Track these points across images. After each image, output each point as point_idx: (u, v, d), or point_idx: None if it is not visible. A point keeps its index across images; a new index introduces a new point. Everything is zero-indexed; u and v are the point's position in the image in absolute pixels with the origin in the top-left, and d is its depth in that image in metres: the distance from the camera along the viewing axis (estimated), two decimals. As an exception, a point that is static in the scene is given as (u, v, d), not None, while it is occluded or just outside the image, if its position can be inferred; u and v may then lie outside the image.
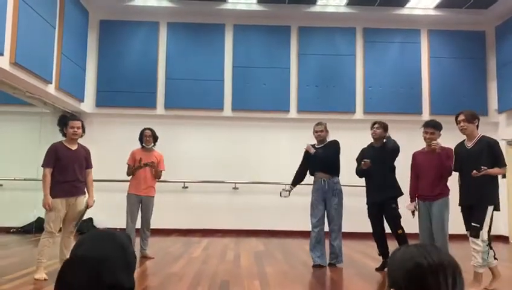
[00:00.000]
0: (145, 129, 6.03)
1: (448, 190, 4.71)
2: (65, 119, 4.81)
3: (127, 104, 8.80)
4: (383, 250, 5.28)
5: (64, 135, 4.78)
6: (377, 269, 5.22)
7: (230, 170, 8.84)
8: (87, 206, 4.84)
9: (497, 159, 4.27)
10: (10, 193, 8.68)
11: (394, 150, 5.27)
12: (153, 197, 6.02)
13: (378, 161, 5.25)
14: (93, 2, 8.70)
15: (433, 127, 4.82)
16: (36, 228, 8.13)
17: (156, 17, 9.04)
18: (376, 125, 5.43)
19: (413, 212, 4.89)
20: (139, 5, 8.80)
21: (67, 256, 4.24)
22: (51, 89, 7.14)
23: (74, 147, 4.79)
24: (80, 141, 4.96)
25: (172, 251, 6.48)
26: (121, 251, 1.16)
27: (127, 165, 6.02)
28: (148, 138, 5.95)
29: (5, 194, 8.73)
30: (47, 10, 6.75)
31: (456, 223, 4.70)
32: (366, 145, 5.61)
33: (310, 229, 5.57)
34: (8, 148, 8.78)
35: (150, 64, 8.94)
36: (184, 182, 8.82)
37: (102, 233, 1.22)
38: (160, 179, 8.85)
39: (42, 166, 4.62)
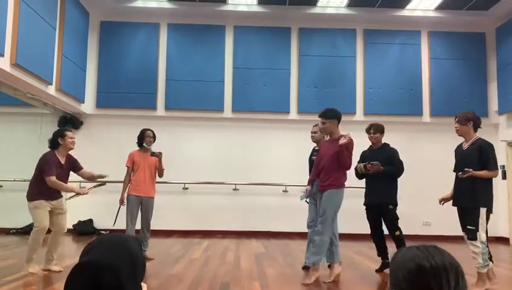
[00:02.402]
0: (147, 130, 6.01)
1: (341, 182, 4.72)
2: (62, 131, 5.02)
3: (128, 105, 8.80)
4: (382, 251, 5.28)
5: (55, 147, 4.93)
6: (377, 271, 5.21)
7: (230, 171, 8.84)
8: (102, 176, 5.19)
9: (486, 162, 4.28)
10: (10, 194, 8.67)
11: (393, 174, 5.26)
12: (153, 198, 6.01)
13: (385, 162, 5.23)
14: (94, 3, 8.70)
15: (322, 116, 4.86)
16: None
17: (157, 18, 9.05)
18: (372, 131, 5.42)
19: (302, 197, 5.03)
20: (139, 6, 8.81)
21: (54, 256, 4.33)
22: (51, 90, 7.14)
23: (64, 160, 5.01)
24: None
25: (172, 252, 6.47)
26: (130, 260, 1.13)
27: (126, 168, 6.00)
28: (150, 138, 5.96)
29: (5, 195, 8.73)
30: (47, 11, 6.75)
31: (457, 224, 4.69)
32: (366, 148, 5.59)
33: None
34: (8, 149, 8.78)
35: (150, 66, 8.94)
36: (184, 183, 8.82)
37: (113, 239, 1.19)
38: (161, 180, 8.87)
39: (47, 176, 4.76)
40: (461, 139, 4.64)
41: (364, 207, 5.43)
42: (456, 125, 4.51)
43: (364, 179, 5.48)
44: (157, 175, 6.10)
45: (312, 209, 5.36)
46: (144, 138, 5.95)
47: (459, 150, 4.61)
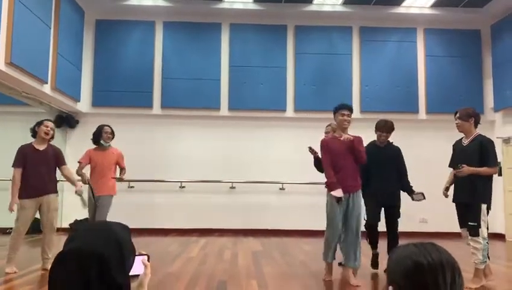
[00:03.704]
0: (104, 125, 5.66)
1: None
2: (41, 121, 5.02)
3: (124, 104, 8.77)
4: (374, 241, 5.15)
5: (34, 135, 4.95)
6: (373, 266, 5.17)
7: (227, 169, 8.84)
8: (77, 193, 5.00)
9: (486, 158, 4.27)
10: (6, 193, 8.63)
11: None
12: (110, 196, 5.58)
13: (384, 162, 5.12)
14: (89, 2, 8.66)
15: (349, 110, 4.64)
16: (32, 228, 8.07)
17: (152, 17, 9.02)
18: (385, 129, 5.17)
19: (340, 200, 4.49)
20: (135, 4, 8.78)
21: (50, 255, 4.30)
22: (46, 88, 7.11)
23: (42, 148, 4.93)
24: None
25: (169, 251, 6.47)
26: (116, 246, 1.11)
27: (78, 164, 5.58)
28: (109, 134, 5.61)
29: (1, 194, 8.68)
30: (42, 10, 6.71)
31: (454, 221, 4.69)
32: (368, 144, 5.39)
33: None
34: (3, 149, 8.72)
35: (146, 64, 8.92)
36: (181, 181, 8.80)
37: (97, 226, 1.17)
38: (158, 179, 8.86)
39: (12, 166, 4.82)
40: (457, 136, 4.64)
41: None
42: (457, 121, 4.48)
43: (372, 179, 5.20)
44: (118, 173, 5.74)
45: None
46: (101, 134, 5.57)
47: (458, 146, 4.57)
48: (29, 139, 5.10)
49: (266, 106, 8.91)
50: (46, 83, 7.02)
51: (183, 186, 8.84)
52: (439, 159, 8.63)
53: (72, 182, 5.09)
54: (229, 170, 8.83)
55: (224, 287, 4.25)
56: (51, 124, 5.01)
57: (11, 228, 8.33)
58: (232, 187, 8.87)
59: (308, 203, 8.56)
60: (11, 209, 4.78)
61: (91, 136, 5.72)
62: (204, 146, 8.96)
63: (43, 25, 6.73)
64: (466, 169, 4.21)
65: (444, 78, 9.05)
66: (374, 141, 5.37)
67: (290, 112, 9.02)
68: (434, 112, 8.93)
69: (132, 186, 8.57)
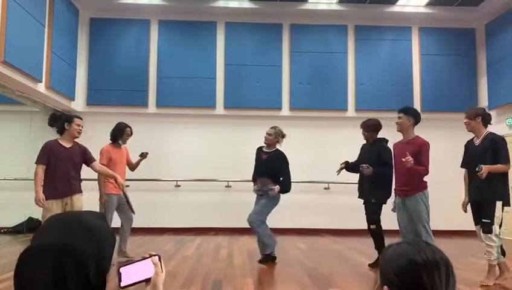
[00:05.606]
0: (127, 127, 5.68)
1: (424, 184, 4.57)
2: (70, 117, 4.75)
3: (119, 103, 8.74)
4: (379, 245, 5.21)
5: (61, 132, 4.67)
6: (370, 265, 5.22)
7: (223, 168, 8.83)
8: (123, 190, 4.98)
9: (498, 156, 4.24)
10: (0, 193, 8.60)
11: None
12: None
13: (369, 159, 5.23)
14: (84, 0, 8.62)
15: (401, 111, 4.81)
16: (27, 227, 8.05)
17: (147, 15, 8.99)
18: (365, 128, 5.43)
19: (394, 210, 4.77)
20: (130, 2, 8.73)
21: None
22: (41, 87, 7.08)
23: (69, 145, 4.68)
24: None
25: (165, 250, 6.46)
26: (88, 236, 1.02)
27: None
28: (128, 137, 5.69)
29: (-2, 194, 8.65)
30: (36, 8, 6.67)
31: (460, 219, 4.65)
32: (355, 144, 5.63)
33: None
34: (-2, 148, 8.68)
35: (141, 63, 8.89)
36: (176, 180, 8.79)
37: (66, 217, 1.09)
38: (153, 178, 8.84)
39: (35, 163, 4.52)
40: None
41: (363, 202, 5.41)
42: (466, 120, 4.49)
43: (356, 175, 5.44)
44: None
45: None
46: (123, 135, 5.61)
47: (470, 146, 4.56)
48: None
49: (262, 105, 8.90)
50: (41, 81, 6.98)
51: (179, 185, 8.83)
52: (434, 157, 8.66)
53: (111, 176, 4.88)
54: (225, 169, 8.82)
55: (219, 285, 4.25)
56: (82, 122, 4.77)
57: (5, 228, 8.36)
58: (228, 186, 8.87)
59: (303, 201, 8.57)
60: (39, 202, 4.42)
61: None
62: (199, 145, 8.95)
63: (37, 23, 6.69)
64: (485, 168, 4.09)
65: (438, 77, 9.08)
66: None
67: (285, 110, 9.02)
68: (429, 110, 8.94)
69: (127, 185, 8.53)
